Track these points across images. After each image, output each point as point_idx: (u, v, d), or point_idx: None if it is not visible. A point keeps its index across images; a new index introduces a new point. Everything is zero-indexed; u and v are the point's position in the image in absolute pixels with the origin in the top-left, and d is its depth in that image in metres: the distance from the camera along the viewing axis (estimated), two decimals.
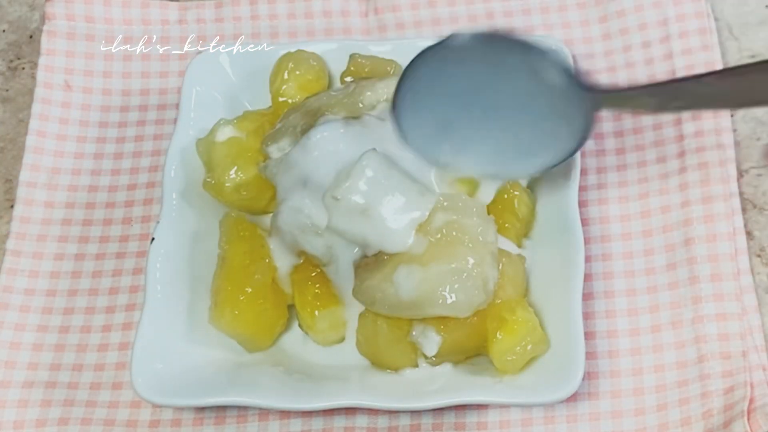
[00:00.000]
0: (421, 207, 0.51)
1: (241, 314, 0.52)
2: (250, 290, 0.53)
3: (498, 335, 0.50)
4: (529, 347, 0.50)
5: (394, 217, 0.50)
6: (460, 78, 0.51)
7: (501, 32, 0.50)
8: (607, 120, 0.59)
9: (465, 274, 0.49)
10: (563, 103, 0.50)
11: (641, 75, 0.60)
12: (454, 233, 0.50)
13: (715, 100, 0.46)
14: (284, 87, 0.59)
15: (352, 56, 0.59)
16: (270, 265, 0.54)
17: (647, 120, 0.59)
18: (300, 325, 0.54)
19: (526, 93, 0.51)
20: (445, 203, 0.51)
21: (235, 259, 0.53)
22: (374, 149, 0.51)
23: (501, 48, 0.50)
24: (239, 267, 0.53)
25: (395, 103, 0.52)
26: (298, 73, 0.59)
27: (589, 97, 0.50)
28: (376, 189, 0.51)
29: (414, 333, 0.51)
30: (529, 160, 0.52)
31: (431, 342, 0.51)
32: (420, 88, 0.51)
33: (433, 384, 0.51)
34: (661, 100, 0.49)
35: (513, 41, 0.50)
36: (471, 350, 0.52)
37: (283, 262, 0.54)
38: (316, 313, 0.53)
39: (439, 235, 0.50)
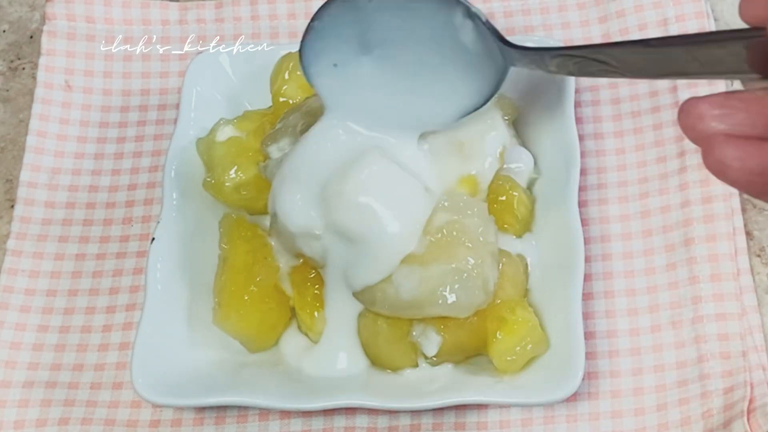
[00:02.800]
0: (423, 206, 0.51)
1: (246, 315, 0.52)
2: (255, 290, 0.53)
3: (498, 335, 0.50)
4: (529, 347, 0.50)
5: (396, 216, 0.50)
6: (375, 21, 0.51)
7: None
8: (606, 120, 0.59)
9: (465, 274, 0.49)
10: (476, 54, 0.50)
11: None
12: (454, 233, 0.50)
13: (635, 70, 0.45)
14: (285, 87, 0.59)
15: None
16: (273, 265, 0.54)
17: (647, 120, 0.59)
18: (299, 326, 0.54)
19: (438, 43, 0.50)
20: (445, 203, 0.51)
21: (238, 259, 0.53)
22: (377, 147, 0.51)
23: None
24: (242, 267, 0.53)
25: (304, 45, 0.52)
26: (298, 73, 0.59)
27: (502, 52, 0.49)
28: (378, 187, 0.51)
29: (414, 333, 0.51)
30: (443, 109, 0.52)
31: (431, 342, 0.51)
32: (332, 27, 0.51)
33: (433, 384, 0.51)
34: (579, 66, 0.48)
35: None
36: (471, 350, 0.52)
37: (283, 263, 0.54)
38: (316, 314, 0.53)
39: (439, 235, 0.50)
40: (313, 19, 0.51)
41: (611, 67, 0.45)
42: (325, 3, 0.51)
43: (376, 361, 0.53)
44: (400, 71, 0.52)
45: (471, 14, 0.49)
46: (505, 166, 0.55)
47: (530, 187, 0.56)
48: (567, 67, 0.48)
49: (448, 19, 0.50)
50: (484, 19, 0.49)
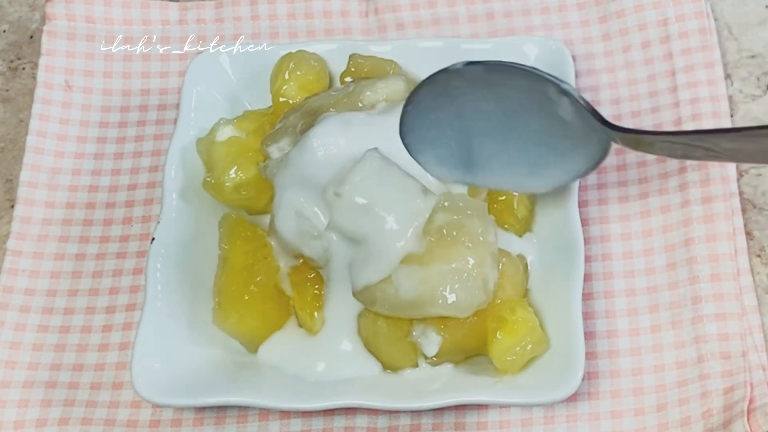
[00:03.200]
0: (422, 207, 0.51)
1: (246, 315, 0.52)
2: (255, 290, 0.53)
3: (498, 335, 0.50)
4: (529, 347, 0.50)
5: (395, 217, 0.50)
6: (467, 102, 0.51)
7: (508, 64, 0.50)
8: None
9: (465, 274, 0.49)
10: (576, 129, 0.50)
11: (641, 75, 0.60)
12: (454, 233, 0.50)
13: (740, 156, 0.46)
14: (285, 87, 0.59)
15: (352, 56, 0.59)
16: (273, 265, 0.54)
17: (647, 120, 0.59)
18: (299, 326, 0.54)
19: (537, 116, 0.51)
20: (445, 203, 0.51)
21: (238, 259, 0.53)
22: (376, 148, 0.51)
23: (508, 75, 0.50)
24: (242, 267, 0.53)
25: (402, 129, 0.52)
26: (299, 73, 0.59)
27: (603, 132, 0.49)
28: (377, 188, 0.51)
29: (414, 333, 0.51)
30: (541, 179, 0.53)
31: (431, 342, 0.51)
32: (426, 112, 0.52)
33: (433, 384, 0.51)
34: (679, 151, 0.49)
35: (521, 71, 0.50)
36: (471, 350, 0.52)
37: (282, 263, 0.54)
38: (316, 314, 0.53)
39: (439, 235, 0.50)
40: (407, 104, 0.52)
41: (716, 153, 0.47)
42: (416, 88, 0.51)
43: (375, 362, 0.52)
44: (497, 144, 0.52)
45: (563, 92, 0.49)
46: None
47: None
48: (670, 150, 0.49)
49: (542, 96, 0.50)
50: (577, 97, 0.49)
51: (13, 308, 0.56)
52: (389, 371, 0.52)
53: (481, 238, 0.51)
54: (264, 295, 0.53)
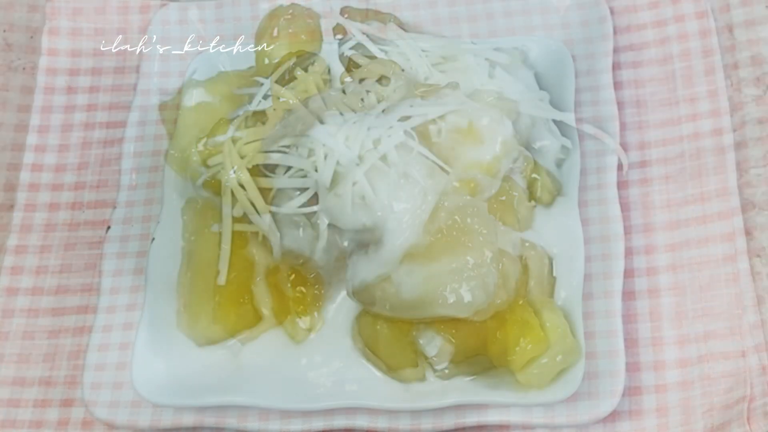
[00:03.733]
0: (422, 206, 0.51)
1: (244, 315, 0.52)
2: (254, 290, 0.53)
3: (498, 335, 0.50)
4: (529, 347, 0.50)
5: (395, 216, 0.50)
6: None
7: None
8: (607, 120, 0.59)
9: (465, 274, 0.49)
10: None
11: (643, 75, 0.60)
12: (455, 233, 0.50)
13: None
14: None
15: (352, 56, 0.59)
16: (273, 265, 0.54)
17: (647, 120, 0.59)
18: (299, 326, 0.54)
19: None
20: (445, 203, 0.51)
21: (236, 259, 0.53)
22: (375, 149, 0.51)
23: None
24: (242, 268, 0.53)
25: None
26: (298, 73, 0.59)
27: None
28: (377, 188, 0.51)
29: (414, 333, 0.51)
30: None
31: (432, 343, 0.51)
32: None
33: (433, 385, 0.51)
34: None
35: None
36: (471, 351, 0.52)
37: (282, 263, 0.54)
38: (316, 314, 0.53)
39: (440, 235, 0.50)
40: None
41: None
42: None
43: (375, 362, 0.53)
44: None
45: None
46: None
47: (530, 187, 0.56)
48: None
49: None
50: None
51: (15, 309, 0.56)
52: (389, 372, 0.52)
53: (481, 238, 0.51)
54: (263, 295, 0.53)
